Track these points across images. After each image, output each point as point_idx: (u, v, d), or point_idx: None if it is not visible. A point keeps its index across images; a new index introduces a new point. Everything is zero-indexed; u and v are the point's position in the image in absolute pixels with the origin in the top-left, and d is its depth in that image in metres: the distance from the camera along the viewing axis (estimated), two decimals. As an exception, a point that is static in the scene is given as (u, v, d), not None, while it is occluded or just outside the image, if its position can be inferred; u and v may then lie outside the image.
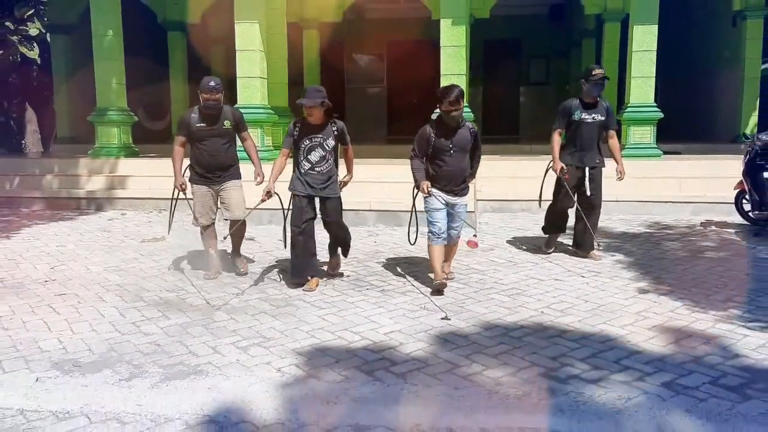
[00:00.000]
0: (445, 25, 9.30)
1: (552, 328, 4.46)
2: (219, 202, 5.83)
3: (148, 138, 13.23)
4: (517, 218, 8.82)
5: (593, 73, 6.14)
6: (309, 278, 5.47)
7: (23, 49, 16.61)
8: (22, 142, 17.95)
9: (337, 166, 5.51)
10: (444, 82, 9.33)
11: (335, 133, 5.39)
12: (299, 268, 5.46)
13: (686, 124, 14.51)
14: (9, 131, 17.35)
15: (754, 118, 11.43)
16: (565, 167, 6.26)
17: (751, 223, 7.84)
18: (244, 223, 5.89)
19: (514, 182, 9.18)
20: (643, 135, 9.47)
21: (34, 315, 4.87)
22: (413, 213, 5.76)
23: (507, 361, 3.90)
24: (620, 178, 6.43)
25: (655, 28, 9.24)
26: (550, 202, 6.60)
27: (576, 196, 6.37)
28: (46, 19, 14.22)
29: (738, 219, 8.06)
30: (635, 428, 3.11)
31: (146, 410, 3.37)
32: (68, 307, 5.05)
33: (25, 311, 4.95)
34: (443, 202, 5.37)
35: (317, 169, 5.34)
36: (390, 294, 5.36)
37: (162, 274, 5.99)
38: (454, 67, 9.35)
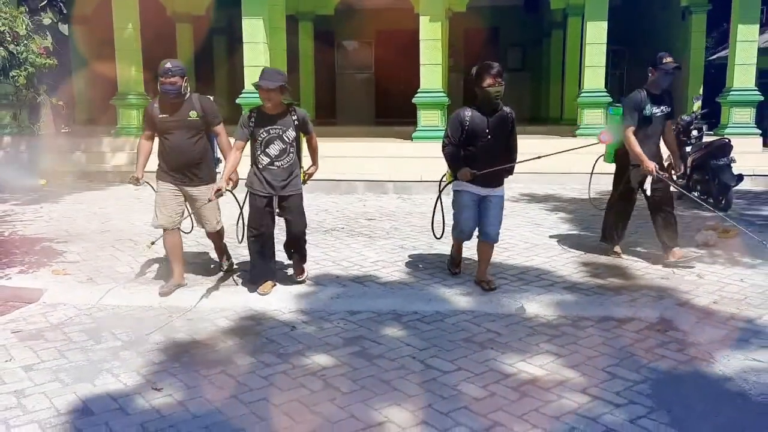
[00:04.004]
0: (424, 21, 10.74)
1: (495, 258, 5.99)
2: (191, 208, 5.20)
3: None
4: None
5: (665, 61, 5.59)
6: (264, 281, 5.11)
7: (37, 38, 17.85)
8: (37, 124, 19.21)
9: (300, 160, 5.01)
10: (424, 71, 10.82)
11: (295, 123, 4.83)
12: (257, 275, 5.08)
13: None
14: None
15: (698, 102, 12.93)
16: (656, 166, 5.57)
17: (678, 190, 9.35)
18: (220, 232, 5.42)
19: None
20: (594, 116, 10.99)
21: (103, 252, 6.35)
22: (438, 203, 5.37)
23: (458, 277, 5.44)
24: (679, 174, 5.97)
25: (605, 24, 10.71)
26: (611, 204, 6.17)
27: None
28: (64, 11, 15.48)
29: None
30: (539, 307, 4.67)
31: (207, 304, 4.90)
32: (127, 248, 6.53)
33: (95, 250, 6.42)
34: (475, 198, 5.03)
35: (277, 163, 4.81)
36: (375, 239, 6.88)
37: (195, 228, 7.45)
38: (432, 57, 10.79)
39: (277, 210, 4.94)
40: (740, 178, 8.03)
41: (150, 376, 3.73)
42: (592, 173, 6.28)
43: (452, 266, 5.53)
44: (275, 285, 5.12)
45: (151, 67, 13.53)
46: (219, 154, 5.34)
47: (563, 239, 6.78)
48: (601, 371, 3.73)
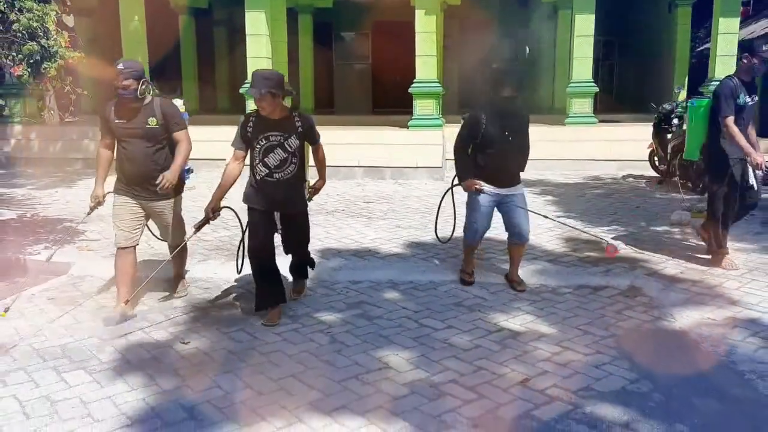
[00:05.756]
0: (419, 14, 11.19)
1: (486, 237, 6.49)
2: (153, 223, 4.87)
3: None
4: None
5: (764, 48, 5.11)
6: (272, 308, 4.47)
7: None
8: (41, 113, 19.56)
9: (304, 171, 4.49)
10: (419, 63, 11.28)
11: (299, 129, 4.30)
12: (262, 302, 4.45)
13: (638, 98, 16.54)
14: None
15: (683, 94, 13.42)
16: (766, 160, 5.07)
17: (661, 175, 9.88)
18: (184, 247, 4.90)
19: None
20: (582, 106, 11.49)
21: (121, 232, 6.83)
22: (439, 208, 5.45)
23: (450, 252, 5.95)
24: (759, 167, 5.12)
25: (592, 17, 11.17)
26: (714, 205, 5.38)
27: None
28: (68, 2, 15.85)
29: (651, 173, 10.12)
30: (523, 277, 5.17)
31: (219, 276, 5.39)
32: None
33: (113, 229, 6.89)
34: (492, 200, 4.90)
35: (276, 175, 4.28)
36: (373, 219, 7.39)
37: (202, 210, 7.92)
38: (427, 49, 11.25)
39: (279, 227, 4.49)
40: (716, 163, 8.51)
41: (177, 333, 4.24)
42: (676, 170, 5.87)
43: (465, 275, 5.17)
44: (281, 313, 4.49)
45: (154, 59, 14.02)
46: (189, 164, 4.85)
47: (549, 219, 7.26)
48: (574, 329, 4.24)
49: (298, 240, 4.70)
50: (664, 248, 5.96)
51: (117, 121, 4.45)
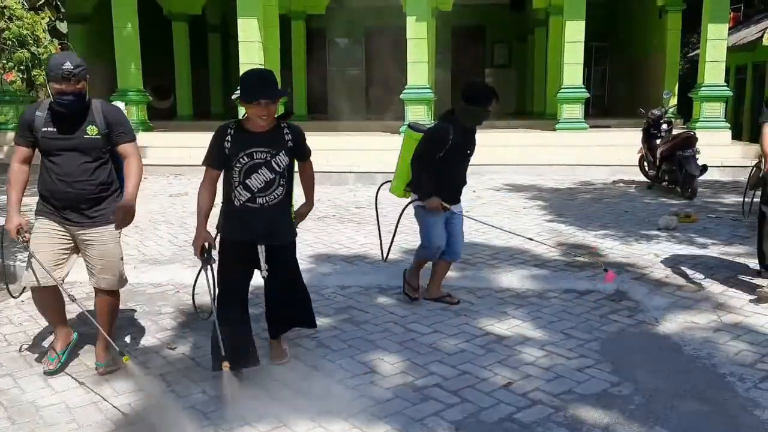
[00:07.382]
0: (410, 21, 11.27)
1: (474, 240, 6.54)
2: (82, 256, 3.74)
3: (155, 116, 15.11)
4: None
5: None
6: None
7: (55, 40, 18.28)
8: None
9: (290, 195, 3.69)
10: (411, 68, 11.36)
11: (289, 144, 3.56)
12: (229, 349, 3.38)
13: (629, 104, 16.65)
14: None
15: (673, 100, 13.49)
16: None
17: (650, 180, 9.94)
18: (116, 296, 3.85)
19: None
20: (573, 111, 11.56)
21: (112, 238, 6.85)
22: (397, 226, 5.18)
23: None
24: None
25: (582, 24, 11.27)
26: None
27: None
28: (62, 9, 15.89)
29: (641, 178, 10.18)
30: (510, 282, 5.22)
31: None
32: (134, 234, 7.03)
33: (105, 236, 6.92)
34: (443, 217, 4.68)
35: (260, 200, 3.52)
36: (364, 225, 7.43)
37: (194, 215, 7.94)
38: (418, 55, 11.33)
39: (265, 268, 3.58)
40: (704, 168, 8.59)
41: (164, 338, 4.27)
42: (751, 174, 5.55)
43: (412, 291, 4.95)
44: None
45: (147, 65, 14.06)
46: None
47: (539, 224, 7.33)
48: (558, 333, 4.28)
49: (286, 277, 3.78)
50: (650, 252, 6.01)
51: (46, 129, 3.49)
